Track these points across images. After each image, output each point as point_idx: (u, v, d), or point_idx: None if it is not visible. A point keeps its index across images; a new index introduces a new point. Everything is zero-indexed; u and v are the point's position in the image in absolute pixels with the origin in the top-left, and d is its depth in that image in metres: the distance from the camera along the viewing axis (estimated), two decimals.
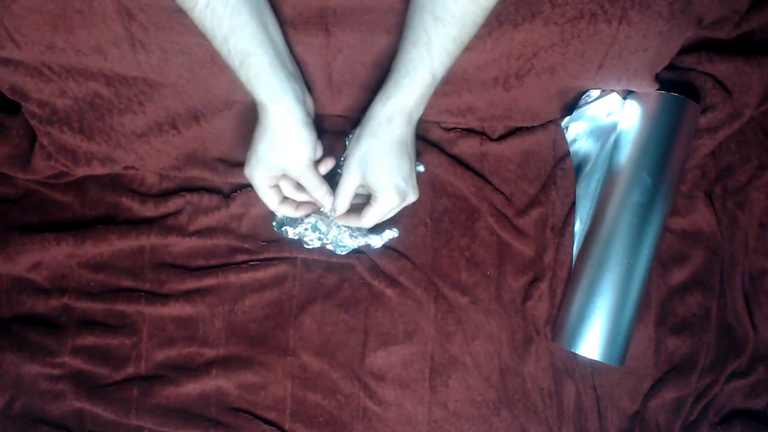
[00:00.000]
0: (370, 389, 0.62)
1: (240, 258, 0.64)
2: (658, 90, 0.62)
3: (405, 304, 0.63)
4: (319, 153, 0.56)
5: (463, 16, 0.46)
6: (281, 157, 0.52)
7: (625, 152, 0.60)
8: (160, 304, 0.63)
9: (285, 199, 0.57)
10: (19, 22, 0.52)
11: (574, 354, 0.63)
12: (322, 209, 0.58)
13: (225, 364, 0.63)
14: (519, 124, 0.65)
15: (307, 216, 0.59)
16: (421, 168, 0.63)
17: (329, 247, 0.61)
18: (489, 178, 0.65)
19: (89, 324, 0.64)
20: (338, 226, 0.59)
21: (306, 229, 0.59)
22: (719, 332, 0.63)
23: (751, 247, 0.64)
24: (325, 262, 0.64)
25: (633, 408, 0.63)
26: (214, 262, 0.65)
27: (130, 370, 0.63)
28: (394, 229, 0.60)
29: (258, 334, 0.63)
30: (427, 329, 0.62)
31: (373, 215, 0.54)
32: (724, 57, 0.61)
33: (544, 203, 0.64)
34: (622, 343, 0.58)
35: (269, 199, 0.56)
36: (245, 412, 0.62)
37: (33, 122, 0.61)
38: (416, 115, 0.52)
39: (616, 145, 0.62)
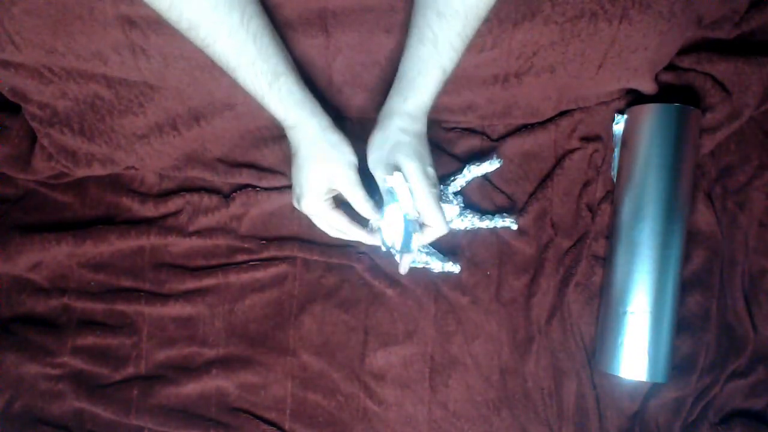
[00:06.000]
0: (370, 389, 0.62)
1: (240, 258, 0.64)
2: (658, 93, 0.62)
3: (405, 304, 0.63)
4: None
5: (466, 10, 0.47)
6: (329, 168, 0.51)
7: (636, 172, 0.60)
8: (160, 304, 0.63)
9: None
10: (19, 25, 0.52)
11: (575, 354, 0.63)
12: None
13: (225, 364, 0.63)
14: (519, 121, 0.65)
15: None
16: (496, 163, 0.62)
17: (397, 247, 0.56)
18: (489, 178, 0.65)
19: (89, 324, 0.64)
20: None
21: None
22: (719, 332, 0.63)
23: (751, 247, 0.64)
24: (325, 262, 0.64)
25: (633, 408, 0.63)
26: (214, 262, 0.65)
27: (130, 370, 0.63)
28: (457, 265, 0.61)
29: (258, 334, 0.63)
30: (427, 329, 0.62)
31: (413, 184, 0.49)
32: (724, 57, 0.61)
33: (543, 202, 0.64)
34: (665, 358, 0.58)
35: (339, 220, 0.54)
36: (245, 412, 0.62)
37: (33, 124, 0.61)
38: (428, 110, 0.52)
39: (625, 164, 0.62)
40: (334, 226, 0.55)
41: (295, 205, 0.55)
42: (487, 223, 0.62)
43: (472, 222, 0.62)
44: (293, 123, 0.51)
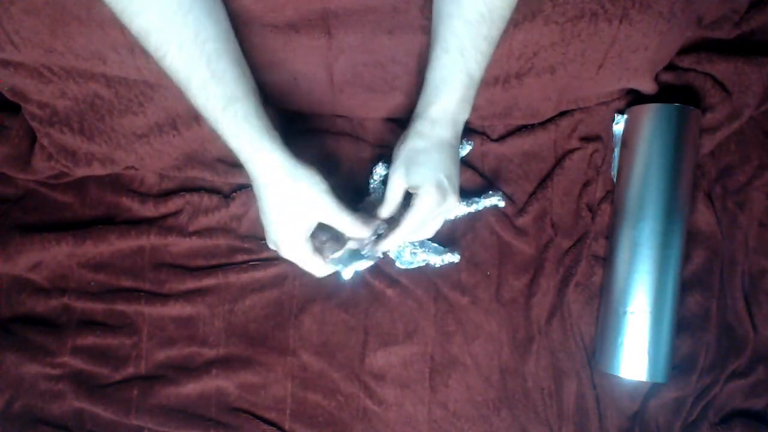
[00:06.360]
0: (370, 389, 0.62)
1: (240, 258, 0.64)
2: (658, 93, 0.62)
3: (405, 304, 0.63)
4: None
5: (491, 13, 0.46)
6: (303, 206, 0.48)
7: (636, 172, 0.60)
8: (160, 304, 0.63)
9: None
10: (18, 24, 0.51)
11: (575, 354, 0.63)
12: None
13: (225, 364, 0.63)
14: (519, 122, 0.65)
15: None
16: (468, 147, 0.63)
17: (391, 256, 0.61)
18: (489, 178, 0.65)
19: (89, 324, 0.64)
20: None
21: (375, 258, 0.56)
22: (719, 332, 0.63)
23: (751, 247, 0.64)
24: None
25: (633, 408, 0.63)
26: (214, 262, 0.65)
27: (130, 370, 0.63)
28: (456, 254, 0.61)
29: (258, 334, 0.63)
30: (427, 329, 0.62)
31: (412, 216, 0.51)
32: (724, 57, 0.61)
33: (543, 202, 0.64)
34: (665, 358, 0.58)
35: (319, 266, 0.53)
36: (245, 412, 0.62)
37: (33, 123, 0.61)
38: (461, 117, 0.52)
39: (625, 164, 0.62)
40: (317, 269, 0.54)
41: (271, 246, 0.52)
42: (475, 207, 0.62)
43: (459, 210, 0.61)
44: (248, 155, 0.47)
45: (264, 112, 0.48)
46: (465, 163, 0.65)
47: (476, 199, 0.62)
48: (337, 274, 0.57)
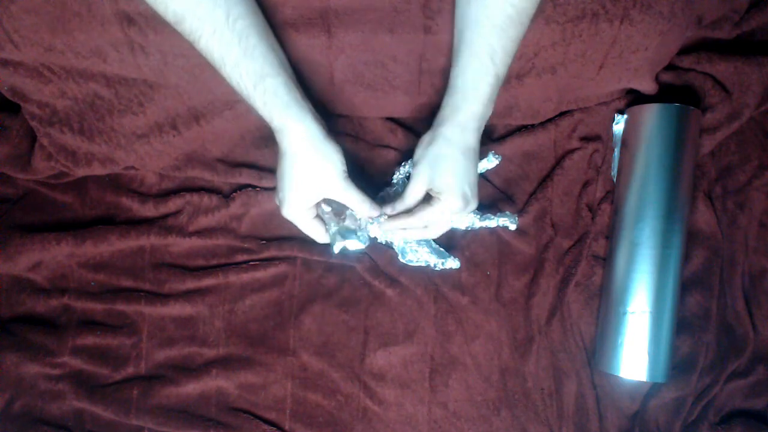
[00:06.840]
0: (370, 389, 0.62)
1: (240, 258, 0.64)
2: (658, 93, 0.62)
3: (405, 304, 0.63)
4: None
5: (519, 15, 0.47)
6: (315, 179, 0.51)
7: (636, 172, 0.60)
8: (160, 304, 0.63)
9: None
10: (17, 23, 0.51)
11: (575, 354, 0.63)
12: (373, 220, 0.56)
13: (225, 364, 0.63)
14: (519, 122, 0.65)
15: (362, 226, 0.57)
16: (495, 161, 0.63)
17: (395, 249, 0.61)
18: (489, 178, 0.65)
19: (89, 324, 0.64)
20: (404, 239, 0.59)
21: (366, 242, 0.56)
22: (719, 332, 0.63)
23: (751, 247, 0.64)
24: (325, 262, 0.64)
25: (633, 408, 0.63)
26: (214, 262, 0.65)
27: (130, 370, 0.63)
28: (457, 260, 0.61)
29: (258, 334, 0.63)
30: (427, 329, 0.62)
31: (428, 213, 0.53)
32: (724, 57, 0.62)
33: (543, 202, 0.64)
34: (665, 358, 0.58)
35: (317, 231, 0.55)
36: (245, 412, 0.62)
37: (33, 123, 0.61)
38: (485, 118, 0.53)
39: (625, 164, 0.62)
40: (314, 233, 0.55)
41: (282, 210, 0.54)
42: (487, 223, 0.62)
43: (472, 222, 0.61)
44: (278, 126, 0.50)
45: (294, 85, 0.50)
46: None
47: (490, 215, 0.61)
48: (329, 249, 0.56)
